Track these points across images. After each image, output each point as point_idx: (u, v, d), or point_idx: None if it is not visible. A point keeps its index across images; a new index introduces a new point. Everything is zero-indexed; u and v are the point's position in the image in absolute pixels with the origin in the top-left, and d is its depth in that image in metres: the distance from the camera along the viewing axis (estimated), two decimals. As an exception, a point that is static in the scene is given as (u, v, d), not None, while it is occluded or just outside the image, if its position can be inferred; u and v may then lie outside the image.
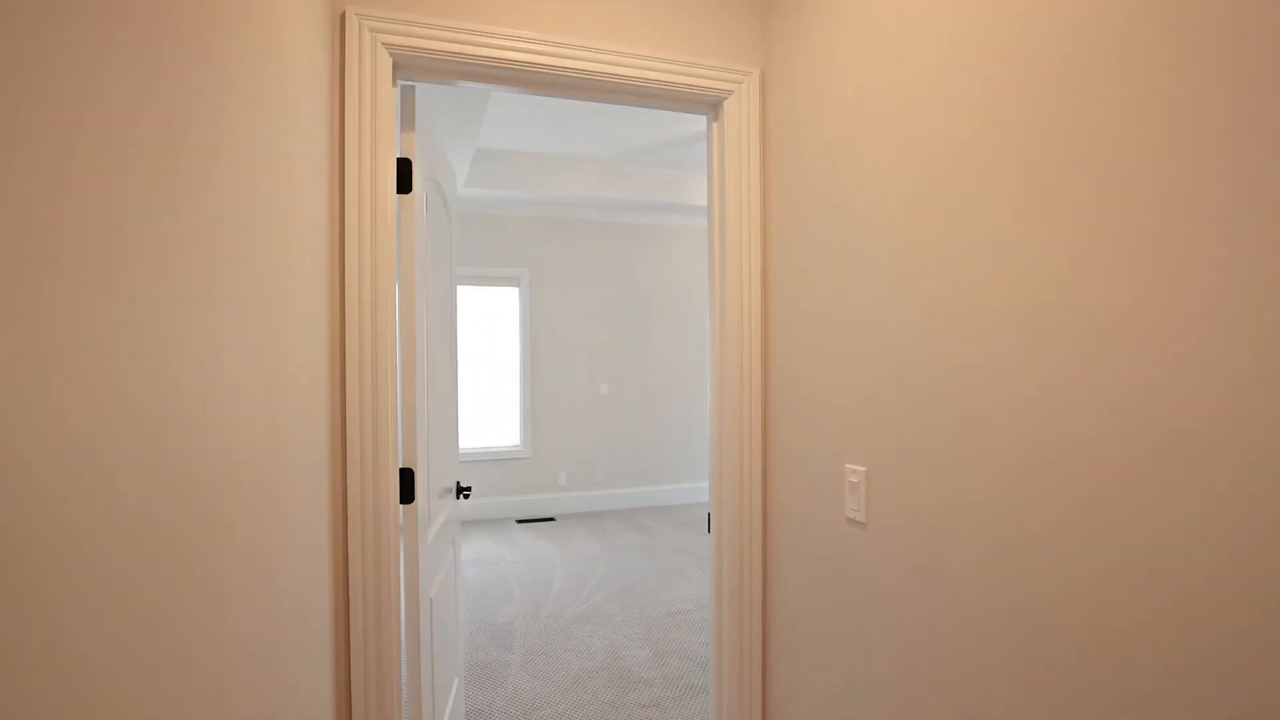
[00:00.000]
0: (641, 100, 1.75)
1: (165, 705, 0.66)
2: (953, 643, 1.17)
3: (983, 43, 1.10)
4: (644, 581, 4.18)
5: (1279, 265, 0.73)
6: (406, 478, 1.59)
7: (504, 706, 2.69)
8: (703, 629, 3.46)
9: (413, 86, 1.67)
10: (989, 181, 1.10)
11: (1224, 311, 0.78)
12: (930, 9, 1.22)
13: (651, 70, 1.68)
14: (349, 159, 1.45)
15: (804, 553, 1.61)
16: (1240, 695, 0.76)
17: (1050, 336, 0.99)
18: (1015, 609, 1.05)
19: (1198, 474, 0.81)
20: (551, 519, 5.83)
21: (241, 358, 0.86)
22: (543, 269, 6.04)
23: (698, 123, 4.58)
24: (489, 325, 5.89)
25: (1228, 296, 0.78)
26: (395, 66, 1.55)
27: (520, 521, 5.73)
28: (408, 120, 1.62)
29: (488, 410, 5.87)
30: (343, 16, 1.46)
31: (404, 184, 1.61)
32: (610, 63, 1.65)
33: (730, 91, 1.76)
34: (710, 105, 1.81)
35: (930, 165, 1.22)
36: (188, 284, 0.71)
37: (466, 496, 2.26)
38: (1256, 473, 0.75)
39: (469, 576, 4.31)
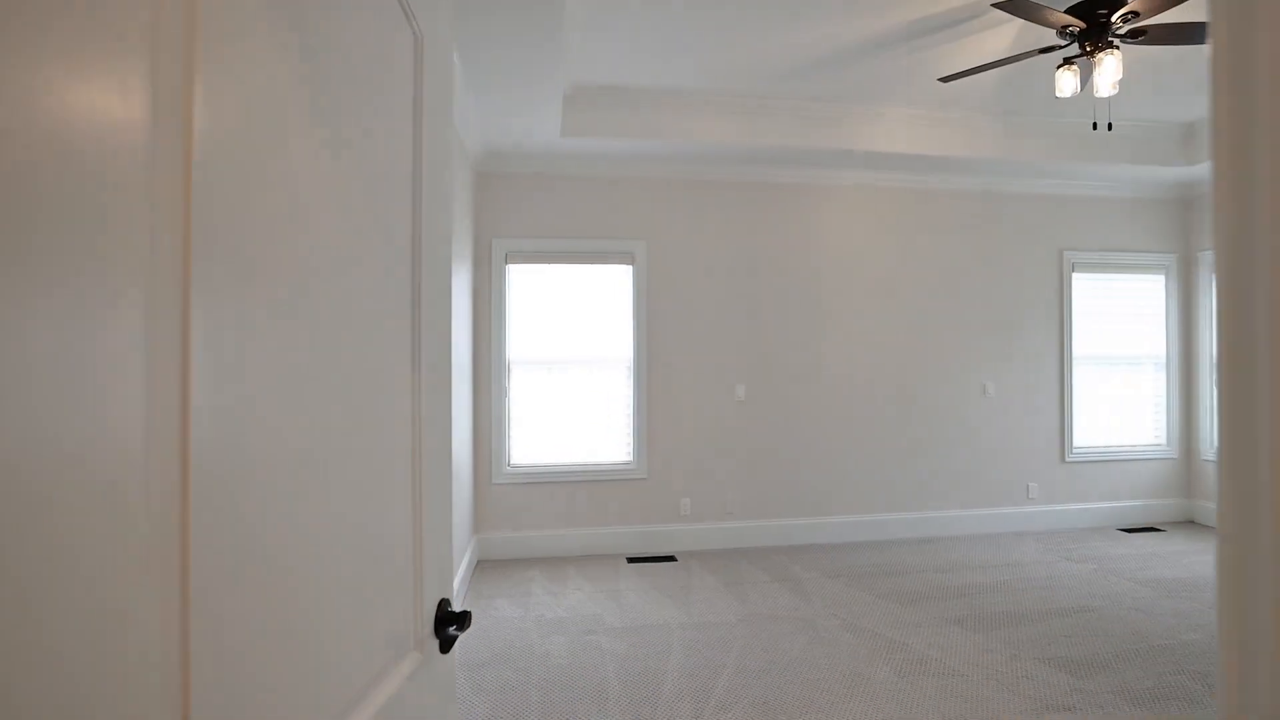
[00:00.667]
0: None
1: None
2: None
3: None
4: (802, 683, 2.79)
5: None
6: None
7: None
8: (911, 811, 2.03)
9: None
10: None
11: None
12: None
13: None
14: None
15: None
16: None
17: None
18: None
19: None
20: (671, 558, 4.58)
21: None
22: (663, 241, 4.79)
23: (879, 16, 3.10)
24: (595, 312, 4.74)
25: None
26: None
27: (631, 560, 4.53)
28: None
29: (592, 417, 4.72)
30: None
31: None
32: None
33: None
34: None
35: None
36: None
37: (447, 647, 1.03)
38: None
39: (551, 649, 3.15)
